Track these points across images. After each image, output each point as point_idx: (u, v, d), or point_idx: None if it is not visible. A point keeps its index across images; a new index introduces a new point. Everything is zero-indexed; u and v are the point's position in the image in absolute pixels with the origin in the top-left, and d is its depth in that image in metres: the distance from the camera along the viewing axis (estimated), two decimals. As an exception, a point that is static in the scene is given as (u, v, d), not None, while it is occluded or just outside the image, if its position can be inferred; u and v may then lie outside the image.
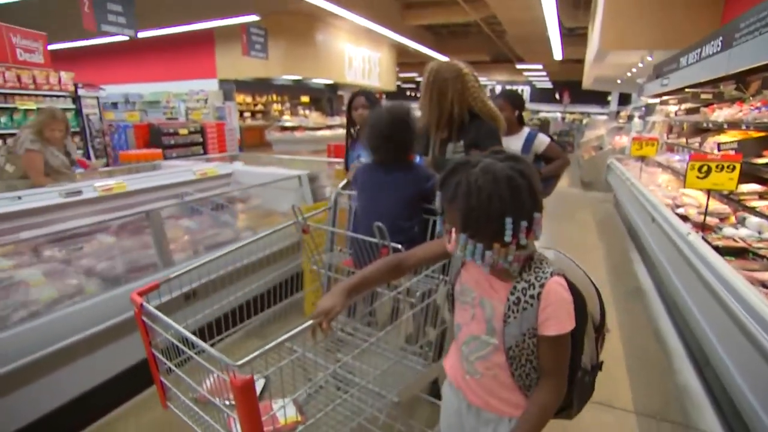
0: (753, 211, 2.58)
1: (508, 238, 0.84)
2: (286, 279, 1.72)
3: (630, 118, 9.66)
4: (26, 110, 5.42)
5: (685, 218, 2.87)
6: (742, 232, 2.44)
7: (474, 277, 1.01)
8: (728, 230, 2.51)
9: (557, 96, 22.75)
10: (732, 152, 3.02)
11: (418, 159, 1.93)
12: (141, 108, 13.40)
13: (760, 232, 2.40)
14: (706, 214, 2.61)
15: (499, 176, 0.84)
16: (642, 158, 4.93)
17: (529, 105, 24.61)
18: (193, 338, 1.00)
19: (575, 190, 8.25)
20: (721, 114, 3.55)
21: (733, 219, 2.69)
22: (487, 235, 0.86)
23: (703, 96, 4.21)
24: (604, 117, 16.97)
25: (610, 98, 19.12)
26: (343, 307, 1.03)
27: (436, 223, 1.63)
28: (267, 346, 0.94)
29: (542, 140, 2.52)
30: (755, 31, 2.79)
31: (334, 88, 16.15)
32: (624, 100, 17.02)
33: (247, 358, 0.88)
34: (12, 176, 3.00)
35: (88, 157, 6.00)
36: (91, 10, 6.75)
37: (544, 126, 20.23)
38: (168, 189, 2.98)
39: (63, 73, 5.89)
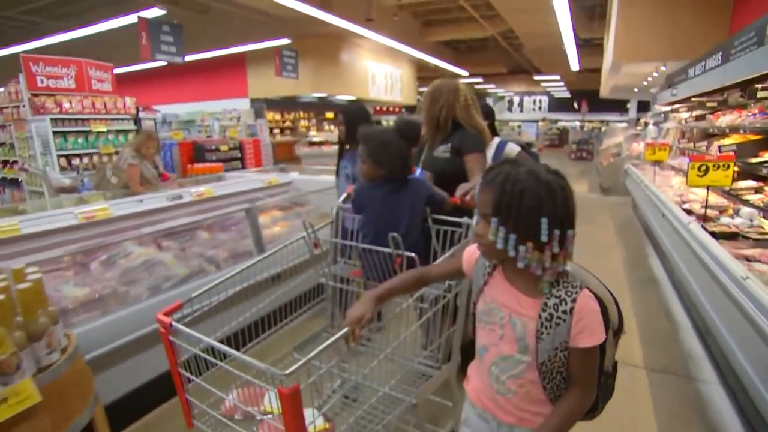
0: (747, 203, 2.98)
1: (544, 237, 0.87)
2: (302, 293, 1.78)
3: (646, 125, 9.97)
4: (98, 132, 6.15)
5: (689, 212, 3.28)
6: (737, 220, 2.85)
7: (501, 295, 1.01)
8: (725, 219, 2.91)
9: (575, 105, 22.95)
10: (732, 153, 3.42)
11: (419, 172, 2.03)
12: (177, 127, 14.30)
13: (751, 220, 2.80)
14: (706, 207, 3.03)
15: (540, 179, 0.89)
16: (656, 162, 5.30)
17: (547, 114, 24.87)
18: (233, 352, 1.02)
19: (595, 195, 8.58)
20: (724, 120, 3.95)
21: (730, 210, 3.09)
22: (519, 230, 0.89)
23: (708, 104, 4.60)
24: (624, 124, 17.16)
25: (629, 105, 19.27)
26: (372, 315, 1.10)
27: (439, 232, 1.73)
28: (311, 355, 0.98)
29: (512, 148, 2.60)
30: (746, 49, 3.22)
31: (356, 103, 16.93)
32: (643, 107, 17.17)
33: (293, 368, 0.92)
34: (116, 186, 3.63)
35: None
36: (148, 42, 7.60)
37: (562, 135, 20.40)
38: (243, 195, 3.54)
39: (127, 99, 6.64)
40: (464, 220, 1.64)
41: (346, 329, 1.06)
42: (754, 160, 3.18)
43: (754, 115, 3.39)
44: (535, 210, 0.87)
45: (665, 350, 2.70)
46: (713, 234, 2.62)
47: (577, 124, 22.61)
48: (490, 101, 25.88)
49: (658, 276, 3.95)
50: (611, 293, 1.03)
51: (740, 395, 2.13)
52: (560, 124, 23.25)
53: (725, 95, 4.34)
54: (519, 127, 19.46)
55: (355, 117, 2.67)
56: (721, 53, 3.91)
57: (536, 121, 22.88)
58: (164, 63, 8.51)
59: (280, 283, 1.76)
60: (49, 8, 10.77)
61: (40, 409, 1.11)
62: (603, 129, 18.08)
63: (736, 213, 2.99)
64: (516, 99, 26.04)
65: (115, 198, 3.30)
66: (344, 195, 1.90)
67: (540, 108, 25.73)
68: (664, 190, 4.35)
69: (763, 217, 2.79)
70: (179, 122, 15.10)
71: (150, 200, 2.93)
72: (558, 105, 25.09)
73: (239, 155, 9.80)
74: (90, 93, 6.17)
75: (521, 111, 26.01)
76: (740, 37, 3.39)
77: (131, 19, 7.92)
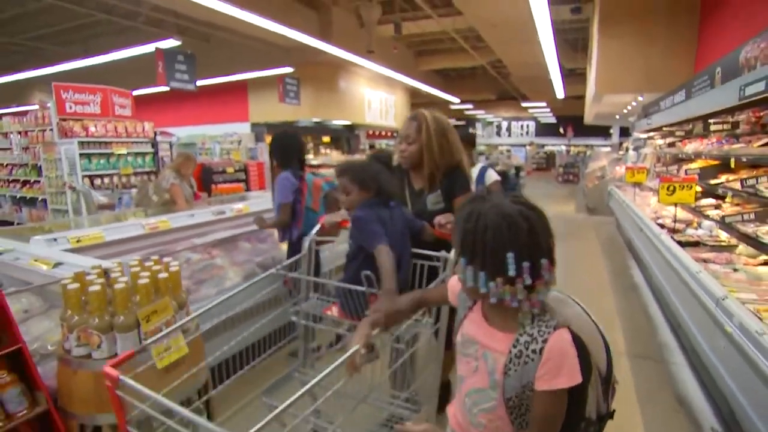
0: (708, 217, 3.52)
1: (512, 272, 0.86)
2: (272, 331, 1.71)
3: (627, 150, 10.69)
4: (119, 154, 6.58)
5: (662, 226, 3.81)
6: (699, 231, 3.39)
7: (476, 330, 1.02)
8: (690, 231, 3.45)
9: (561, 130, 23.97)
10: (695, 176, 3.98)
11: None
12: (178, 150, 14.69)
13: (711, 231, 3.34)
14: (675, 221, 3.57)
15: (503, 212, 0.87)
16: (636, 184, 5.89)
17: (534, 139, 25.89)
18: (184, 411, 0.94)
19: (581, 215, 9.19)
20: (690, 147, 4.54)
21: (694, 224, 3.63)
22: (487, 267, 0.88)
23: (677, 133, 5.21)
24: (608, 149, 18.00)
25: (612, 131, 20.24)
26: (371, 340, 1.16)
27: (416, 266, 1.72)
28: (281, 407, 0.92)
29: (491, 176, 2.65)
30: (702, 89, 3.83)
31: (351, 128, 17.59)
32: (624, 132, 18.11)
33: (257, 426, 0.85)
34: (156, 204, 4.03)
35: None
36: (164, 71, 8.13)
37: (549, 159, 21.20)
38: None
39: (146, 123, 7.10)
40: (442, 254, 1.61)
41: (351, 351, 1.09)
42: (713, 182, 3.73)
43: (712, 143, 3.98)
44: (500, 246, 0.86)
45: (644, 341, 3.17)
46: (680, 242, 3.14)
47: (563, 148, 23.58)
48: (479, 126, 26.91)
49: (639, 283, 4.46)
50: (602, 334, 1.00)
51: (701, 371, 2.59)
52: (547, 149, 24.19)
53: (691, 125, 4.96)
54: (508, 151, 20.28)
55: (275, 146, 3.01)
56: (684, 90, 4.53)
57: (524, 146, 23.80)
58: (167, 88, 9.04)
59: (248, 322, 1.66)
60: (55, 35, 11.28)
61: (185, 359, 1.53)
62: (588, 153, 18.93)
63: (699, 225, 3.53)
64: (504, 124, 27.09)
65: (156, 215, 3.73)
66: (317, 227, 1.86)
67: (527, 133, 26.79)
68: (642, 208, 4.90)
69: (720, 229, 3.32)
70: (179, 145, 15.47)
71: (199, 214, 3.36)
72: (544, 130, 26.15)
73: (244, 177, 10.25)
74: (113, 118, 6.62)
75: (509, 135, 27.05)
76: (698, 79, 4.01)
77: (146, 48, 8.48)
